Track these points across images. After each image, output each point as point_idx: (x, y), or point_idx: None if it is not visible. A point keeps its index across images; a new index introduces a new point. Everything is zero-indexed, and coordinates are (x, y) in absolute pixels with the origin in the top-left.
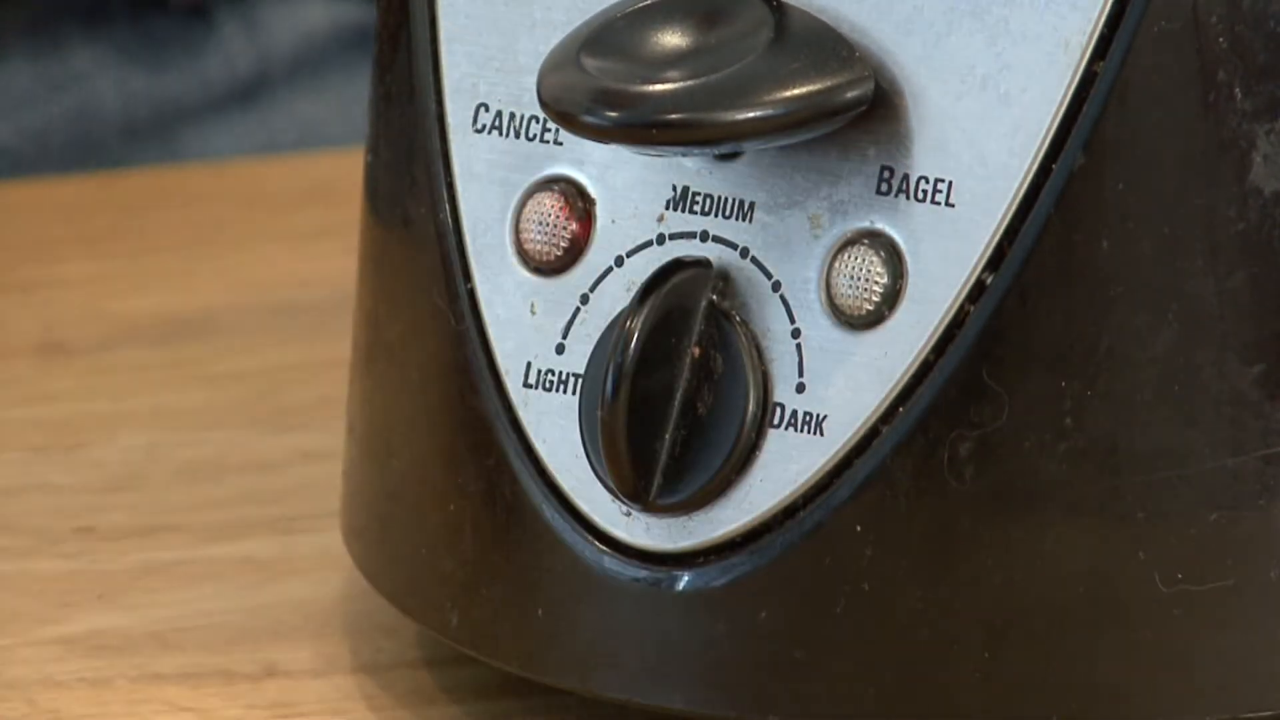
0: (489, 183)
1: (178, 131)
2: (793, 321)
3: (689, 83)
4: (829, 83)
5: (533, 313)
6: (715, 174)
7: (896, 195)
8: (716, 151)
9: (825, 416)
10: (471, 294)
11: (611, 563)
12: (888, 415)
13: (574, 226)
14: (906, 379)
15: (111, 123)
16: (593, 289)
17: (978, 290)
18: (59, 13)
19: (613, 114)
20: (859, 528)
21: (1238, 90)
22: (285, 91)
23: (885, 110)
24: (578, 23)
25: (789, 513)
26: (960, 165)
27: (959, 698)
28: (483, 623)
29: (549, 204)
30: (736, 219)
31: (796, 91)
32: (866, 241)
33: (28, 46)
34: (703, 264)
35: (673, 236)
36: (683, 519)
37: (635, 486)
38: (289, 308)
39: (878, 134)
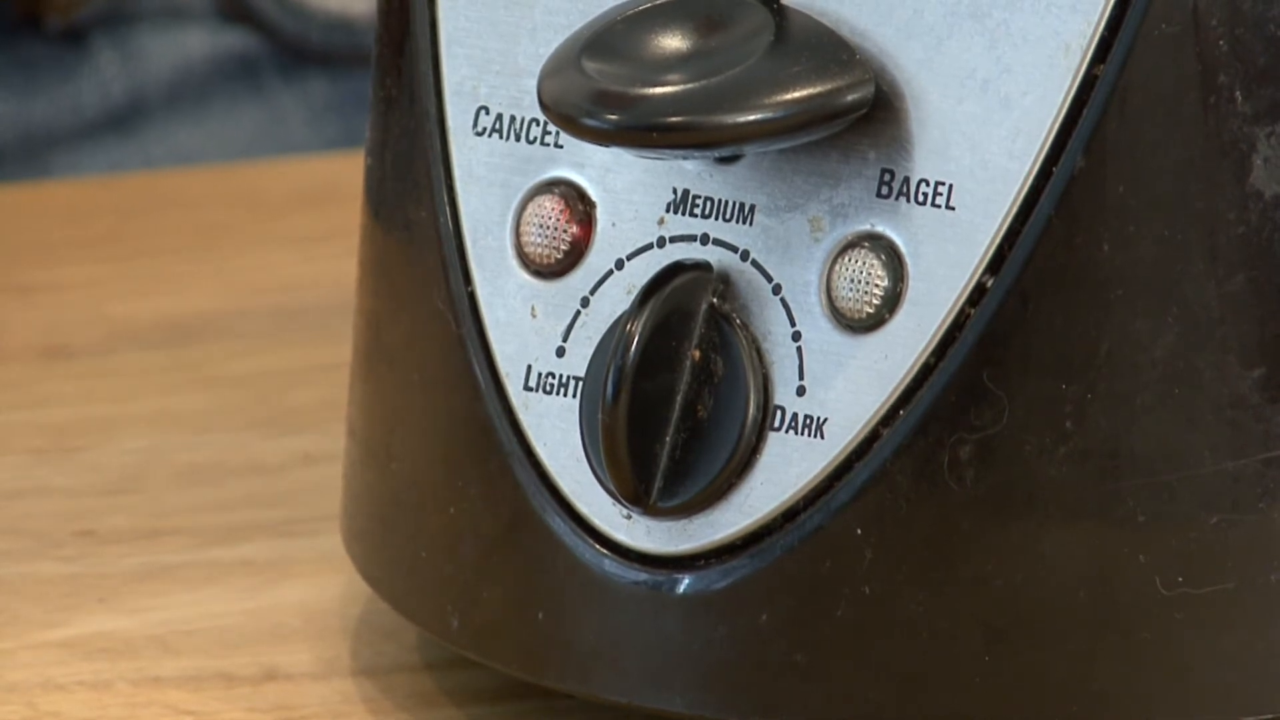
0: (489, 185)
1: (48, 156)
2: (793, 324)
3: (689, 85)
4: (830, 86)
5: (533, 315)
6: (716, 177)
7: (897, 198)
8: (717, 154)
9: (825, 419)
10: (472, 297)
11: (612, 565)
12: (888, 418)
13: (574, 229)
14: (907, 382)
15: None
16: (593, 292)
17: (978, 293)
18: None
19: (613, 117)
20: (859, 531)
21: (1238, 93)
22: (162, 118)
23: (886, 113)
24: (578, 25)
25: (789, 516)
26: (961, 168)
27: (959, 700)
28: (483, 626)
29: (549, 207)
30: (737, 222)
31: (797, 94)
32: (867, 244)
33: None
34: (703, 267)
35: (673, 239)
36: (683, 522)
37: (636, 489)
38: (290, 311)
39: (878, 137)
